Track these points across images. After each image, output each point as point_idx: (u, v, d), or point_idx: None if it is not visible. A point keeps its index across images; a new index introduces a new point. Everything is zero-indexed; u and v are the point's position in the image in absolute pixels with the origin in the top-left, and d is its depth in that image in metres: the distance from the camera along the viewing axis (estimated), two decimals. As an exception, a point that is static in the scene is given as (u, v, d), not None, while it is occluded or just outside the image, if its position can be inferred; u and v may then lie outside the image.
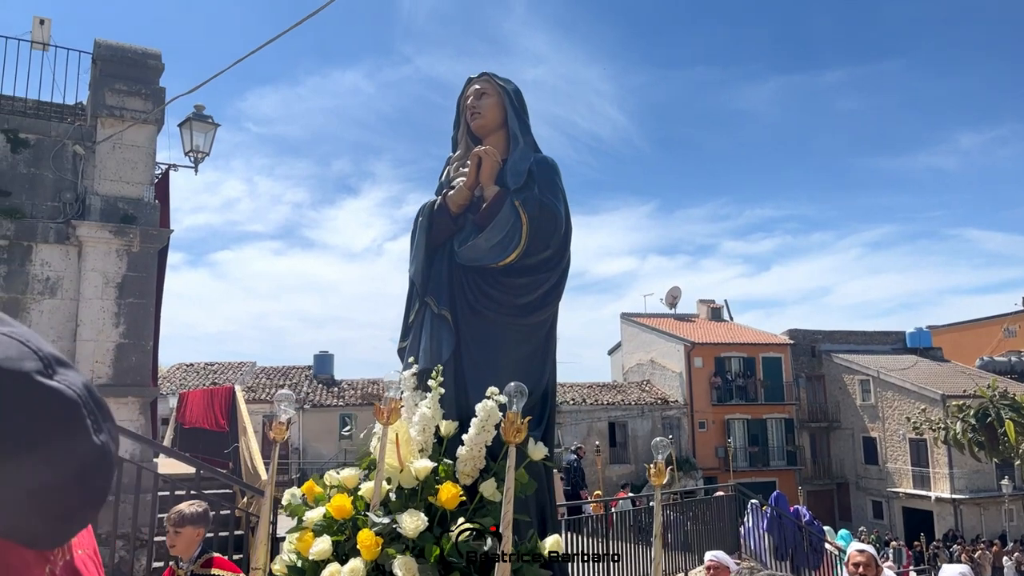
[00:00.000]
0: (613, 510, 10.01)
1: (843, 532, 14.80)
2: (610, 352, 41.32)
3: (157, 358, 9.61)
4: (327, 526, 2.58)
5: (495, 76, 3.43)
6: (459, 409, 2.98)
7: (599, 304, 78.71)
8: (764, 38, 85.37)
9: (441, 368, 2.95)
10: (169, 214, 9.43)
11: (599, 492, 15.42)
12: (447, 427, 2.89)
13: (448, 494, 2.57)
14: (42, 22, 8.72)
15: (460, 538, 2.43)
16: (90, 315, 8.31)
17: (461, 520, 2.50)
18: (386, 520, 2.48)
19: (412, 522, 2.44)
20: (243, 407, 10.77)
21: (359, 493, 2.74)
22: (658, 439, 2.91)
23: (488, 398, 2.70)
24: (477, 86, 3.44)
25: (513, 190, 3.22)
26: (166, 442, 12.44)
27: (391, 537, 2.44)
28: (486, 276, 3.16)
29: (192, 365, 28.24)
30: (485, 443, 2.72)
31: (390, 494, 2.68)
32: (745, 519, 11.50)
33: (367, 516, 2.54)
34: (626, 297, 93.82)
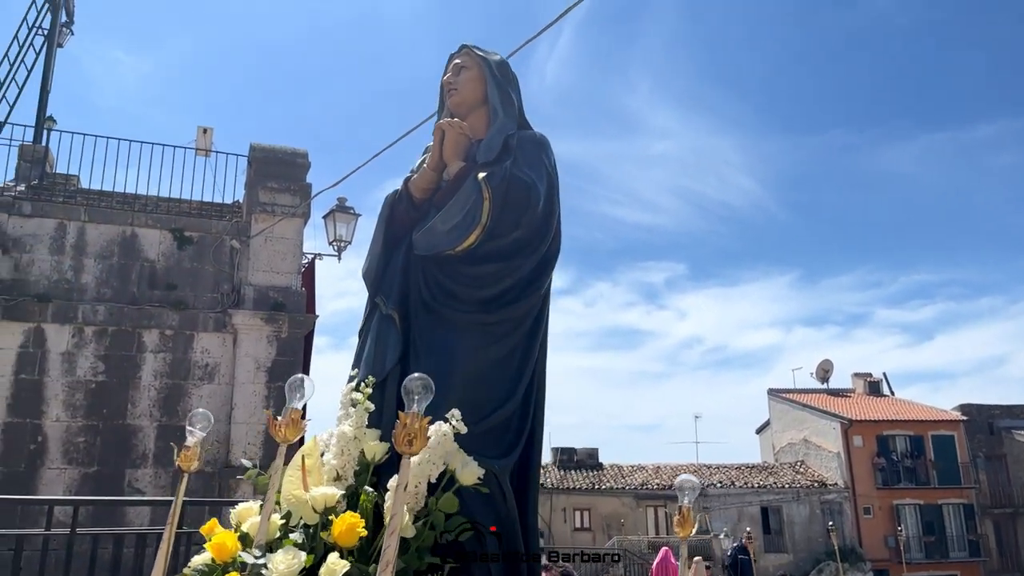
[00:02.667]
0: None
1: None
2: (758, 431, 39.13)
3: (304, 440, 9.93)
4: (208, 572, 2.14)
5: (476, 48, 3.01)
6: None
7: (743, 380, 75.26)
8: (905, 97, 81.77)
9: (373, 380, 2.41)
10: (315, 300, 9.94)
11: (754, 584, 14.28)
12: (372, 450, 2.32)
13: (342, 526, 2.01)
14: (205, 131, 9.64)
15: None
16: (243, 399, 8.77)
17: (333, 558, 1.94)
18: (260, 561, 2.00)
19: (284, 562, 1.94)
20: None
21: (243, 529, 2.23)
22: (683, 477, 2.29)
23: (445, 421, 2.16)
24: (457, 61, 2.99)
25: (479, 164, 2.71)
26: (313, 523, 12.72)
27: None
28: (445, 267, 2.62)
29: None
30: (429, 477, 2.16)
31: (293, 533, 2.18)
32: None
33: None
34: (772, 372, 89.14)
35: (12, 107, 9.37)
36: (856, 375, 37.29)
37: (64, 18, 10.44)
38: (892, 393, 36.56)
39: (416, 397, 1.95)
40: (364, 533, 2.05)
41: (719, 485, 29.14)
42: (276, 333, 9.04)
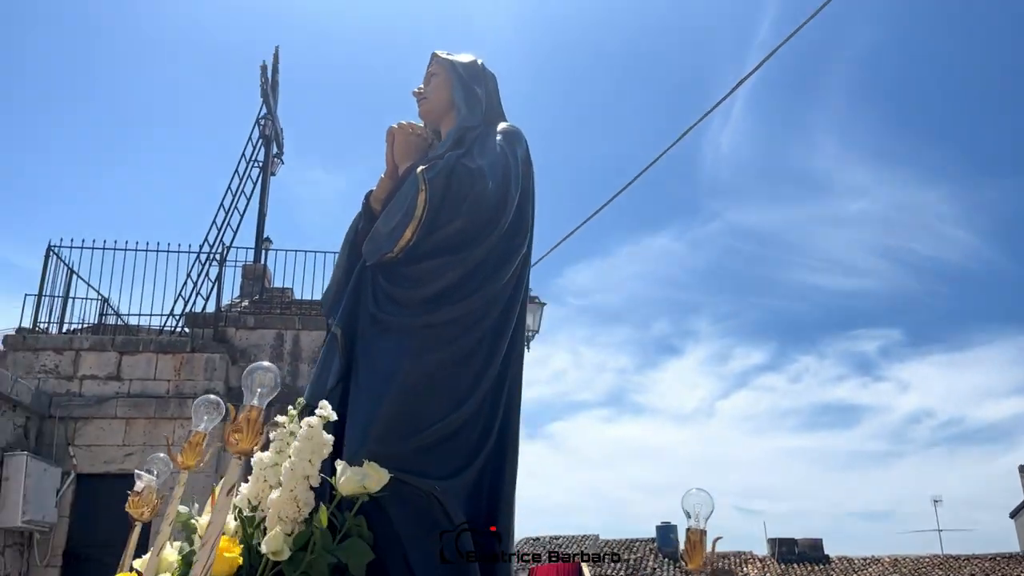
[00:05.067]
0: None
1: None
2: (1013, 515, 34.02)
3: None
4: None
5: (445, 53, 2.82)
6: (334, 454, 2.14)
7: (988, 457, 65.98)
8: None
9: (302, 402, 2.16)
10: (508, 391, 10.01)
11: None
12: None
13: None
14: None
15: None
16: (445, 493, 8.88)
17: None
18: None
19: None
20: (589, 584, 10.46)
21: (135, 566, 2.01)
22: (691, 491, 1.85)
23: (310, 410, 1.95)
24: (429, 70, 2.82)
25: (426, 159, 2.50)
26: (520, 620, 12.47)
27: None
28: (389, 273, 2.39)
29: (539, 539, 28.90)
30: (308, 481, 1.91)
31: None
32: None
33: None
34: (1022, 445, 77.88)
35: (236, 233, 10.55)
36: None
37: (275, 150, 11.77)
38: None
39: (259, 390, 1.74)
40: (239, 562, 1.81)
41: (970, 579, 25.41)
42: (473, 425, 9.17)
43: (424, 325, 2.30)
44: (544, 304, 10.47)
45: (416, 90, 2.81)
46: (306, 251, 9.96)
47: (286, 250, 10.07)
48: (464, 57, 2.81)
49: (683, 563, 1.83)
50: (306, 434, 1.95)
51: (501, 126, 2.65)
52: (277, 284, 10.62)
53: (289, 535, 1.87)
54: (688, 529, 1.81)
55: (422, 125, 2.71)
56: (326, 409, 1.98)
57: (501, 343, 2.40)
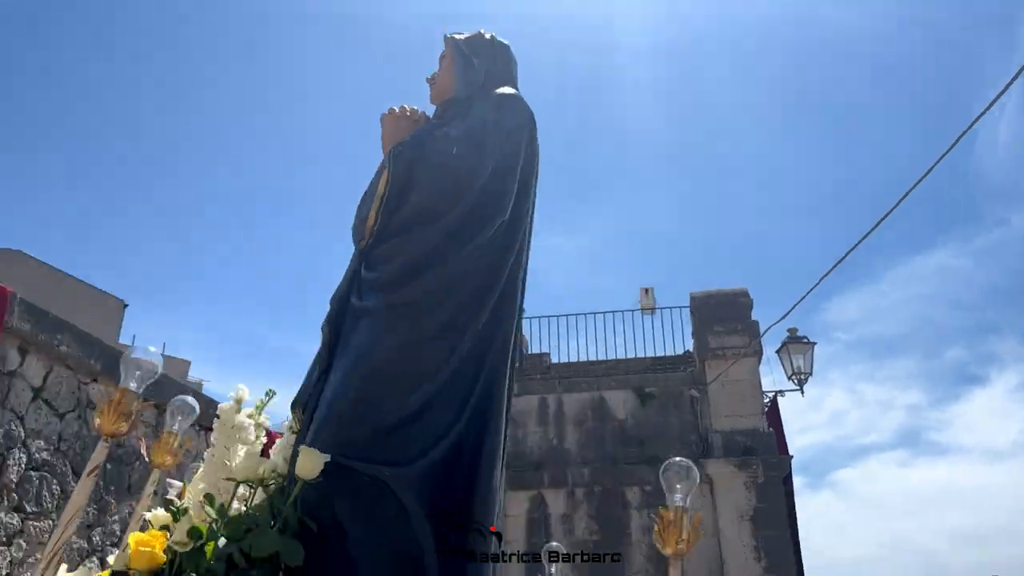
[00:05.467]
0: None
1: None
2: None
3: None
4: None
5: (453, 34, 2.66)
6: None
7: None
8: None
9: (265, 400, 2.23)
10: (785, 440, 9.39)
11: None
12: (247, 469, 2.05)
13: (134, 546, 1.73)
14: (647, 291, 10.24)
15: None
16: (732, 552, 8.42)
17: None
18: None
19: None
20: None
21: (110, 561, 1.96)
22: (672, 461, 1.69)
23: (302, 409, 2.09)
24: (441, 53, 2.67)
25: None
26: None
27: None
28: (366, 260, 2.31)
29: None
30: (226, 467, 1.97)
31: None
32: None
33: None
34: None
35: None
36: None
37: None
38: None
39: (138, 373, 1.75)
40: (161, 559, 1.73)
41: None
42: (752, 479, 8.66)
43: (389, 305, 2.19)
44: (814, 344, 9.75)
45: (428, 76, 2.76)
46: (558, 316, 10.25)
47: (539, 316, 10.43)
48: (470, 33, 2.72)
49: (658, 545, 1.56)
50: (220, 420, 2.04)
51: (491, 93, 2.51)
52: (534, 350, 10.99)
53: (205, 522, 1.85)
54: (661, 507, 1.56)
55: (415, 108, 2.63)
56: (242, 392, 2.12)
57: (480, 313, 2.25)
